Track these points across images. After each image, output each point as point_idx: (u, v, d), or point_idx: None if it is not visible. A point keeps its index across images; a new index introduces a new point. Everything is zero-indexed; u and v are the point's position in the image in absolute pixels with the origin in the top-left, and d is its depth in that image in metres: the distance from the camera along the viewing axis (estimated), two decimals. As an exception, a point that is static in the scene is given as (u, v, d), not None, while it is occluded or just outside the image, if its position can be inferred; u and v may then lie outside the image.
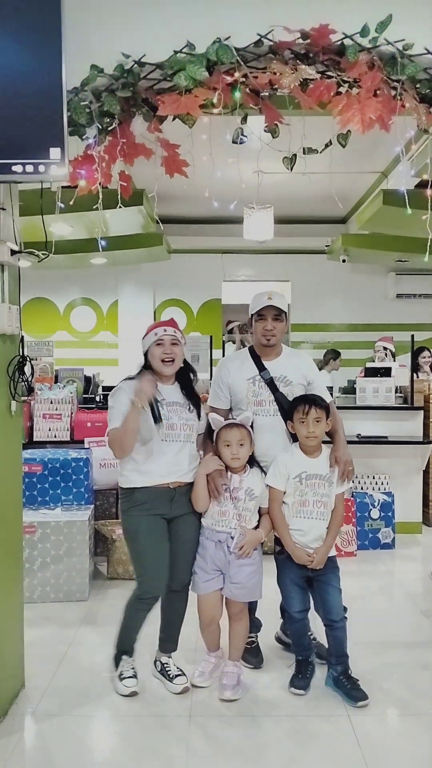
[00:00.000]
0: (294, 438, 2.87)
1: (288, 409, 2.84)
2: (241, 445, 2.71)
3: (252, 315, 2.95)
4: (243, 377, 2.93)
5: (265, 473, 2.81)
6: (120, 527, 4.13)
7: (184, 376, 2.84)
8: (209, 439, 2.83)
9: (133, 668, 2.83)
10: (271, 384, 2.89)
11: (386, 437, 5.05)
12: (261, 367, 2.92)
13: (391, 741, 2.49)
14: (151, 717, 2.62)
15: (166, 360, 2.72)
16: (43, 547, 3.78)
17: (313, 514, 2.75)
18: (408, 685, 2.87)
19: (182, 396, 2.79)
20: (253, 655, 3.02)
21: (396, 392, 5.39)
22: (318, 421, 2.74)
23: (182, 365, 2.81)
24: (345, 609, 2.81)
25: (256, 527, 2.78)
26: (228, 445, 2.71)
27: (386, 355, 6.81)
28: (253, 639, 3.05)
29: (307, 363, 3.03)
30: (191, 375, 2.88)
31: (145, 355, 2.80)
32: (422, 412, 5.31)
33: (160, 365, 2.73)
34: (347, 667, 2.78)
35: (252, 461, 2.79)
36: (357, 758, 2.35)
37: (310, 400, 2.77)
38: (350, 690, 2.70)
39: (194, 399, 2.83)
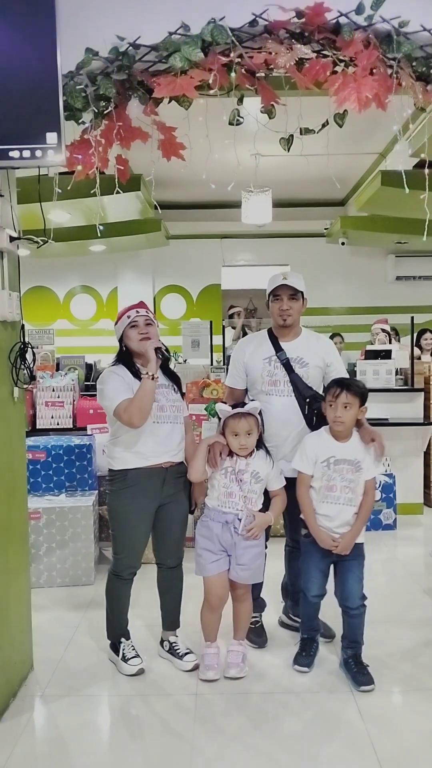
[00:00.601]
0: (308, 420, 2.86)
1: (313, 393, 2.86)
2: (249, 434, 2.70)
3: (268, 296, 2.96)
4: (259, 357, 2.94)
5: (271, 456, 2.81)
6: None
7: (163, 358, 2.81)
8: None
9: (133, 648, 2.87)
10: (287, 365, 2.89)
11: (387, 419, 5.06)
12: (278, 348, 2.93)
13: (395, 717, 2.53)
14: (157, 696, 2.66)
15: (143, 339, 2.71)
16: (48, 533, 3.82)
17: (340, 500, 2.70)
18: (411, 662, 2.91)
19: (166, 378, 2.82)
20: (257, 635, 3.05)
21: (396, 374, 5.41)
22: (347, 407, 2.65)
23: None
24: (364, 597, 2.78)
25: (262, 510, 2.79)
26: (236, 435, 2.70)
27: (387, 336, 6.80)
28: (258, 619, 3.09)
29: (325, 346, 3.02)
30: (168, 355, 2.89)
31: (120, 341, 2.81)
32: (423, 393, 5.32)
33: (140, 345, 2.71)
34: (358, 652, 2.79)
35: (259, 444, 2.78)
36: (361, 734, 2.39)
37: (343, 384, 2.69)
38: (356, 674, 2.71)
39: (175, 380, 2.87)
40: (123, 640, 2.89)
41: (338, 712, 2.53)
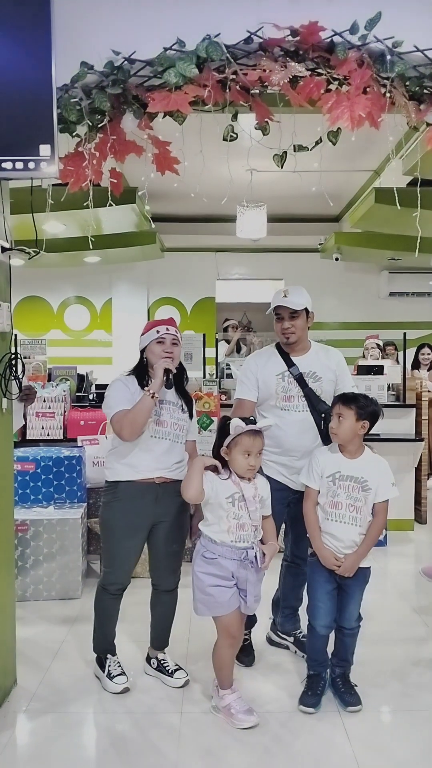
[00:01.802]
0: (324, 435, 2.81)
1: (326, 406, 2.82)
2: (259, 454, 2.53)
3: (273, 314, 2.94)
4: (272, 373, 2.91)
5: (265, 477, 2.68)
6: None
7: (178, 377, 2.82)
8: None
9: (119, 665, 2.83)
10: (300, 380, 2.87)
11: (378, 435, 5.05)
12: (289, 363, 2.90)
13: (382, 737, 2.50)
14: (143, 714, 2.62)
15: (167, 359, 2.69)
16: (35, 545, 3.78)
17: (346, 518, 2.60)
18: (400, 681, 2.88)
19: (176, 395, 2.78)
20: (245, 654, 2.99)
21: (388, 390, 5.41)
22: (341, 418, 2.59)
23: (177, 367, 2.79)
24: (360, 618, 2.72)
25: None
26: (248, 455, 2.49)
27: (380, 352, 6.83)
28: (247, 636, 3.02)
29: (335, 359, 3.00)
30: (184, 376, 2.86)
31: (142, 351, 2.79)
32: (414, 409, 5.33)
33: (168, 365, 2.68)
34: (347, 671, 2.75)
35: None
36: (347, 755, 2.35)
37: (341, 396, 2.66)
38: (344, 694, 2.67)
39: (187, 399, 2.83)
40: (109, 656, 2.85)
41: (325, 733, 2.50)
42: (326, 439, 2.81)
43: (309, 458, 2.74)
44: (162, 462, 2.70)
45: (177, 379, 2.80)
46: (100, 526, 2.82)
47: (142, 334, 2.79)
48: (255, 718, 2.52)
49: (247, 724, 2.50)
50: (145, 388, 2.63)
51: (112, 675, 2.79)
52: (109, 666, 2.82)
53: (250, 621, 3.00)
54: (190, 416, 2.82)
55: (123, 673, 2.80)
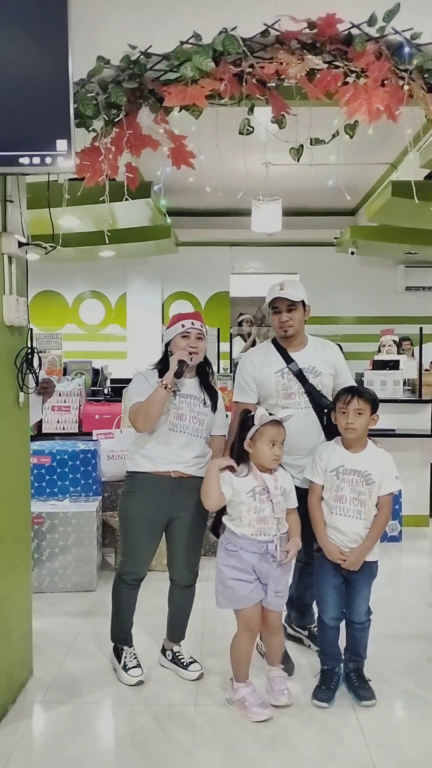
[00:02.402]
0: (327, 430, 2.80)
1: (329, 401, 2.78)
2: (281, 445, 2.54)
3: (268, 307, 2.91)
4: (271, 370, 2.86)
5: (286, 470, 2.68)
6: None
7: (203, 371, 2.83)
8: (235, 437, 2.64)
9: (135, 657, 2.86)
10: (300, 376, 2.83)
11: (394, 430, 5.03)
12: (288, 359, 2.86)
13: (396, 733, 2.50)
14: (157, 705, 2.64)
15: (191, 353, 2.70)
16: (51, 538, 3.81)
17: (350, 512, 2.61)
18: (414, 677, 2.88)
19: (199, 389, 2.78)
20: (283, 662, 2.84)
21: (404, 385, 5.38)
22: (360, 414, 2.59)
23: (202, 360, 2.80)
24: (370, 612, 2.72)
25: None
26: (273, 444, 2.50)
27: (396, 347, 6.79)
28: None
29: (334, 352, 2.97)
30: (209, 369, 2.86)
31: (166, 344, 2.80)
32: (430, 405, 5.28)
33: (184, 357, 2.69)
34: (360, 666, 2.75)
35: None
36: (362, 750, 2.36)
37: (354, 391, 2.64)
38: (358, 688, 2.68)
39: (211, 393, 2.82)
40: (125, 648, 2.87)
41: (339, 727, 2.50)
42: (330, 434, 2.80)
43: (312, 454, 2.74)
44: (180, 456, 2.70)
45: (202, 374, 2.81)
46: (119, 515, 2.83)
47: (168, 328, 2.81)
48: (269, 712, 2.53)
49: (261, 717, 2.51)
50: (159, 379, 2.64)
51: (127, 667, 2.81)
52: (125, 657, 2.84)
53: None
54: (214, 409, 2.79)
55: (138, 666, 2.82)
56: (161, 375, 2.68)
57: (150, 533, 2.76)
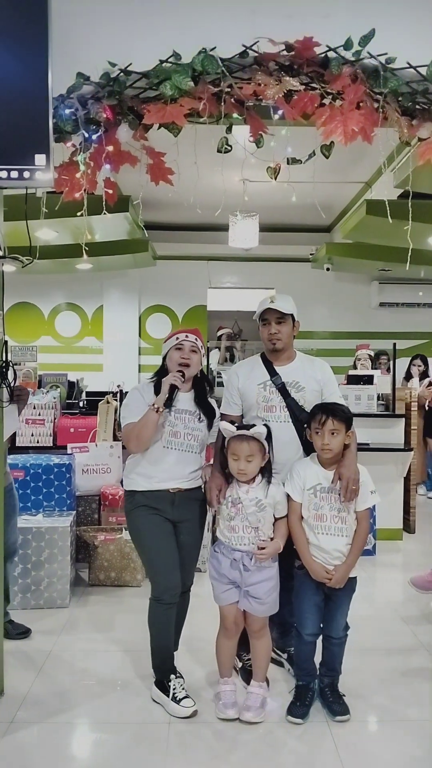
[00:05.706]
0: (306, 445, 2.78)
1: (308, 416, 2.75)
2: (249, 460, 2.57)
3: (258, 320, 2.91)
4: (254, 382, 2.87)
5: (272, 482, 2.67)
6: (102, 534, 4.13)
7: (199, 386, 2.84)
8: (221, 447, 2.73)
9: (183, 687, 2.69)
10: (282, 390, 2.82)
11: (368, 444, 5.08)
12: (272, 373, 2.86)
13: (369, 747, 2.51)
14: (130, 724, 2.61)
15: (183, 364, 2.72)
16: (24, 554, 3.75)
17: (332, 530, 2.61)
18: (387, 692, 2.89)
19: (194, 405, 2.78)
20: (247, 675, 2.86)
21: (378, 400, 5.44)
22: (334, 434, 2.58)
23: (198, 375, 2.81)
24: (347, 627, 2.73)
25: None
26: (236, 459, 2.59)
27: (371, 362, 6.88)
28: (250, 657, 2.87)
29: (320, 368, 2.93)
30: (206, 385, 2.88)
31: (164, 359, 2.83)
32: (403, 419, 5.36)
33: (171, 371, 2.72)
34: (336, 681, 2.75)
35: (264, 470, 2.65)
36: (335, 765, 2.35)
37: (328, 410, 2.61)
38: (332, 703, 2.67)
39: (207, 408, 2.81)
40: (172, 677, 2.71)
41: (313, 743, 2.50)
42: (308, 450, 2.79)
43: (289, 470, 2.72)
44: (175, 473, 2.71)
45: (199, 389, 2.83)
46: (131, 536, 2.81)
47: (165, 341, 2.85)
48: (233, 713, 2.60)
49: (223, 716, 2.60)
50: (150, 403, 2.65)
51: (178, 698, 2.65)
52: (173, 688, 2.67)
53: None
54: (209, 427, 2.80)
55: (188, 696, 2.67)
56: (156, 389, 2.69)
57: (167, 540, 2.69)
